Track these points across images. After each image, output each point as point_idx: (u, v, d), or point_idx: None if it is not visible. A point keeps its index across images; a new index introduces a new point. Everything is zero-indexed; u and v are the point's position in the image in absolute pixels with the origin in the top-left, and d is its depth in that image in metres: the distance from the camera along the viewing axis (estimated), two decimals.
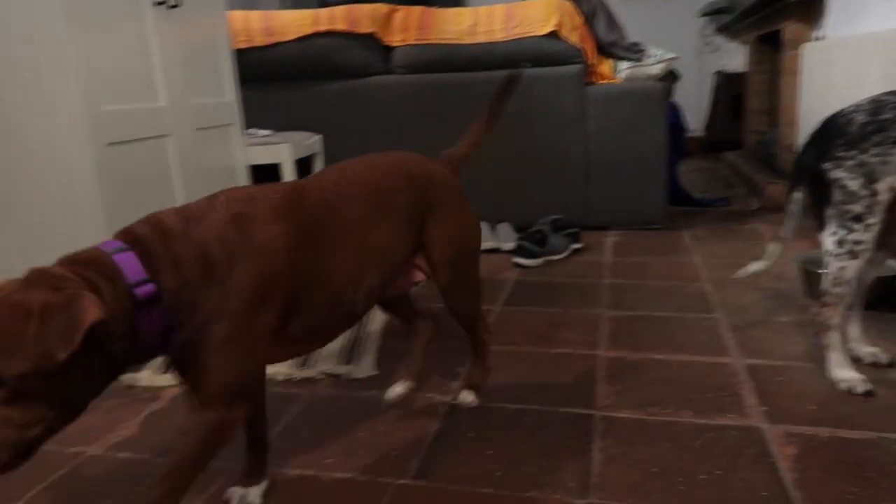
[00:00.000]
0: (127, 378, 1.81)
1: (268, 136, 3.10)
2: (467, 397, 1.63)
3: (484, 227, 3.07)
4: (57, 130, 1.80)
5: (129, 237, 0.98)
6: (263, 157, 2.91)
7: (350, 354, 1.92)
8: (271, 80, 3.33)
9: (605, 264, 2.74)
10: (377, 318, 2.20)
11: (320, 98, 3.32)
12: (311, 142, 3.13)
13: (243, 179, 2.77)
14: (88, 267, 0.91)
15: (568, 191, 3.25)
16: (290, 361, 1.88)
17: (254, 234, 1.04)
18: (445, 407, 1.61)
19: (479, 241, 1.55)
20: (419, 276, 1.52)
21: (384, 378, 1.78)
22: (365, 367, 1.84)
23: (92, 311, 0.83)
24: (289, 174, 2.89)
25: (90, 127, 1.81)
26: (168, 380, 1.81)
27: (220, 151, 2.60)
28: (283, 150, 2.88)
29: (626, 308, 2.22)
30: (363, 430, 1.53)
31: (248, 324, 1.02)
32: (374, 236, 1.24)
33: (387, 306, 1.65)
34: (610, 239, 3.14)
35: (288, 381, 1.80)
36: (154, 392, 1.77)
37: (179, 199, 2.22)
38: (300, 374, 1.82)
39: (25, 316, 0.82)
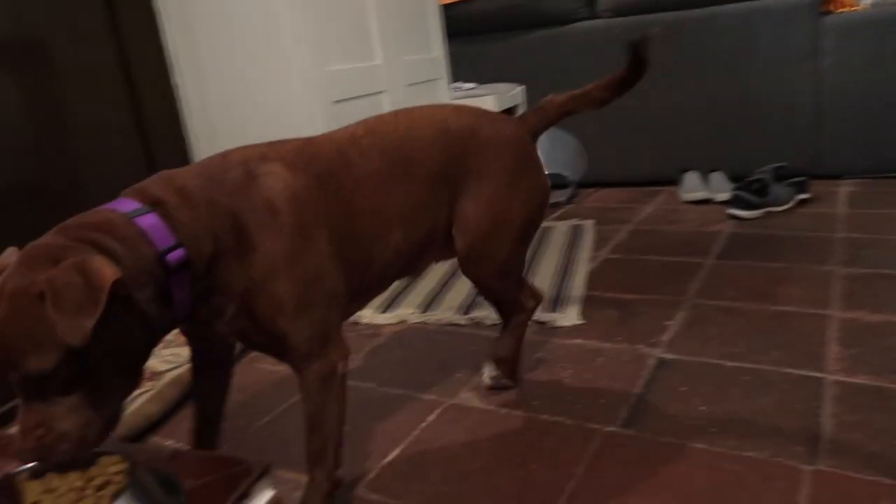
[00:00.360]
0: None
1: (472, 88, 3.16)
2: (487, 372, 1.49)
3: (694, 176, 2.88)
4: (290, 90, 1.99)
5: (146, 198, 0.90)
6: None
7: (555, 303, 1.94)
8: (475, 32, 3.38)
9: (839, 217, 2.45)
10: (583, 268, 2.19)
11: (524, 48, 3.31)
12: (514, 93, 3.14)
13: None
14: (98, 231, 0.83)
15: (793, 136, 2.93)
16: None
17: (276, 191, 0.98)
18: (654, 359, 1.57)
19: (531, 219, 1.30)
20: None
21: (589, 328, 1.78)
22: (570, 316, 1.84)
23: (107, 270, 0.76)
24: None
25: (319, 86, 1.98)
26: (388, 318, 1.97)
27: None
28: (487, 103, 2.92)
29: (864, 265, 1.97)
30: (569, 375, 1.54)
31: (303, 278, 0.98)
32: (394, 193, 1.13)
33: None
34: (844, 189, 2.79)
35: (493, 327, 1.86)
36: (375, 329, 1.94)
37: None
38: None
39: (35, 302, 0.75)
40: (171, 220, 0.89)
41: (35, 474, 0.82)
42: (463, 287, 2.15)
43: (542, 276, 2.16)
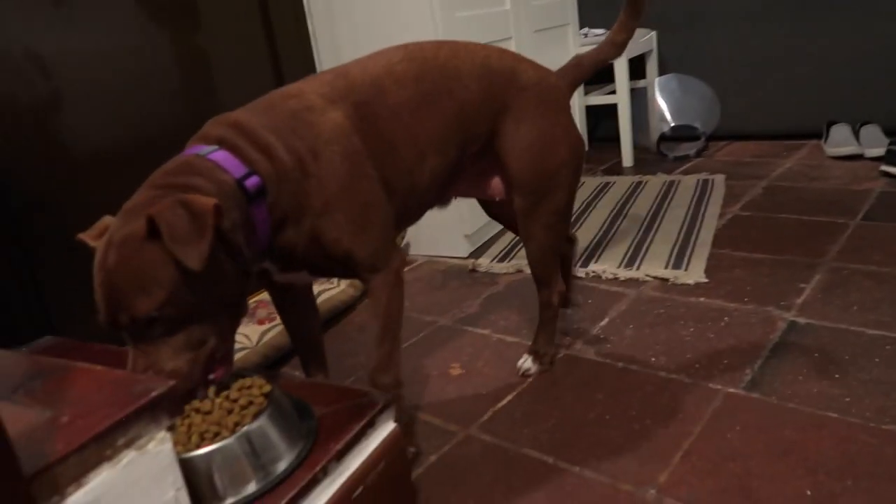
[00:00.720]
0: (470, 262, 2.04)
1: (601, 35, 3.04)
2: (525, 364, 1.44)
3: (844, 129, 2.64)
4: (419, 36, 2.00)
5: (208, 139, 0.96)
6: None
7: (679, 259, 1.87)
8: None
9: None
10: (709, 225, 2.09)
11: None
12: (644, 39, 2.98)
13: None
14: (180, 174, 0.89)
15: None
16: (614, 261, 1.91)
17: (321, 122, 1.01)
18: (785, 322, 1.49)
19: (570, 167, 1.27)
20: (499, 192, 1.33)
21: (714, 287, 1.70)
22: (694, 273, 1.77)
23: (203, 199, 0.82)
24: (622, 72, 2.82)
25: (448, 32, 1.98)
26: (505, 267, 1.99)
27: (556, 51, 2.64)
28: None
29: None
30: (690, 334, 1.50)
31: (357, 202, 1.02)
32: (425, 121, 1.13)
33: (506, 224, 1.54)
34: None
35: (614, 280, 1.83)
36: (492, 277, 1.96)
37: None
38: (626, 274, 1.83)
39: (144, 244, 0.81)
40: (238, 152, 0.94)
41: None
42: (581, 240, 2.12)
43: (666, 232, 2.09)
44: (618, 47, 1.36)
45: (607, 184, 2.69)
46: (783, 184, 2.43)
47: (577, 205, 2.47)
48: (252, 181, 0.92)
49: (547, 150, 1.25)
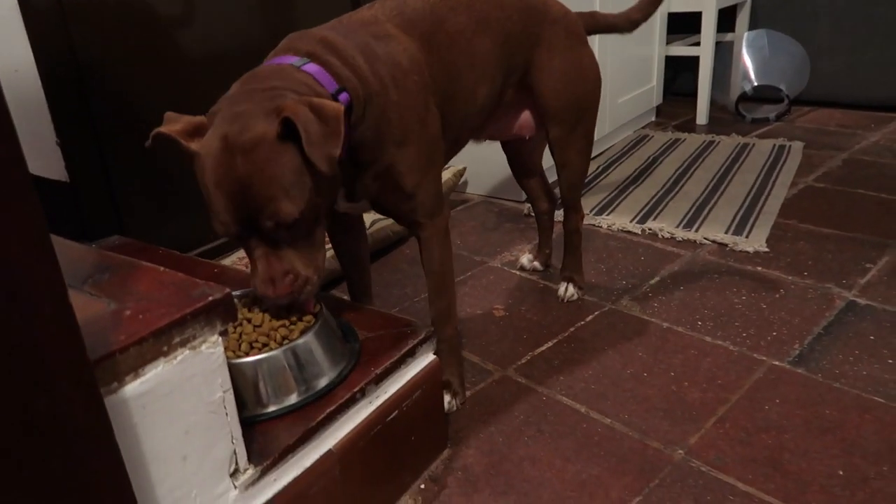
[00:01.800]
0: (526, 207, 2.03)
1: None
2: (567, 291, 1.52)
3: None
4: None
5: (298, 52, 0.93)
6: (684, 4, 2.74)
7: (741, 225, 1.82)
8: None
9: None
10: (778, 193, 2.01)
11: None
12: None
13: (661, 28, 2.67)
14: (279, 79, 0.86)
15: None
16: (673, 221, 1.87)
17: (399, 51, 0.99)
18: (844, 301, 1.44)
19: (596, 94, 1.36)
20: (529, 126, 1.36)
21: (775, 258, 1.65)
22: (754, 241, 1.72)
23: (334, 104, 0.81)
24: (709, 24, 2.68)
25: None
26: (560, 215, 1.97)
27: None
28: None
29: None
30: (742, 303, 1.47)
31: (427, 137, 1.02)
32: (478, 48, 1.13)
33: (517, 170, 1.58)
34: None
35: (670, 239, 1.80)
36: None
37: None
38: (683, 234, 1.80)
39: (280, 147, 0.80)
40: (329, 67, 0.91)
41: (242, 300, 0.96)
42: (642, 196, 2.07)
43: (731, 196, 2.02)
44: (631, 24, 1.43)
45: (677, 140, 2.60)
46: (865, 158, 2.30)
47: (642, 158, 2.40)
48: (343, 97, 0.90)
49: (579, 79, 1.31)
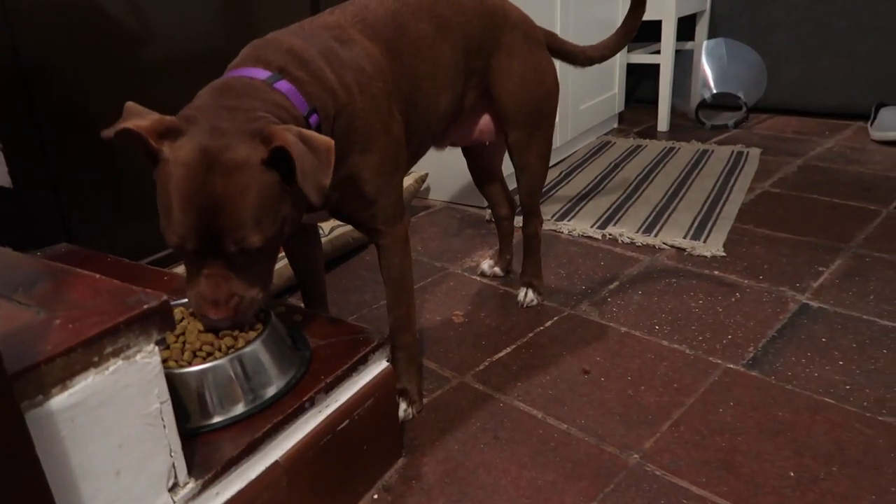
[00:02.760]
0: (487, 213, 2.02)
1: None
2: (527, 296, 1.53)
3: (893, 113, 2.54)
4: None
5: (268, 64, 0.90)
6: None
7: (699, 230, 1.84)
8: None
9: None
10: (736, 199, 2.04)
11: None
12: None
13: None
14: (256, 99, 0.83)
15: None
16: (633, 226, 1.88)
17: (363, 56, 0.98)
18: (797, 304, 1.46)
19: (555, 97, 1.37)
20: (489, 131, 1.37)
21: (731, 262, 1.68)
22: (712, 245, 1.74)
23: (323, 137, 0.80)
24: (669, 32, 2.72)
25: None
26: (520, 221, 1.97)
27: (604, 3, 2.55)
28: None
29: None
30: (699, 306, 1.48)
31: (391, 144, 1.00)
32: (441, 54, 1.13)
33: (478, 176, 1.59)
34: None
35: (630, 245, 1.81)
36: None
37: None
38: (642, 239, 1.81)
39: (263, 173, 0.78)
40: (300, 85, 0.89)
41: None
42: (603, 202, 2.09)
43: (690, 201, 2.04)
44: (587, 59, 1.46)
45: (638, 146, 2.63)
46: (820, 164, 2.35)
47: (604, 164, 2.42)
48: (314, 119, 0.89)
49: (537, 82, 1.32)
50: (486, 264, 1.69)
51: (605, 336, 1.39)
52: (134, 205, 1.57)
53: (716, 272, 1.63)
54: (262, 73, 0.89)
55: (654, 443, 1.08)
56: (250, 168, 0.77)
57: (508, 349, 1.37)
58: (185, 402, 0.82)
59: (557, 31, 2.22)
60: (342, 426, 0.92)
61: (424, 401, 1.21)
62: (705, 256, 1.71)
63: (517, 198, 1.49)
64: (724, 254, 1.71)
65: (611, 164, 2.44)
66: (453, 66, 1.17)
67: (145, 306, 0.66)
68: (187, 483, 0.74)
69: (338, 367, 0.93)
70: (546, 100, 1.34)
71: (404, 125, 1.07)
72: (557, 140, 2.33)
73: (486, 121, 1.36)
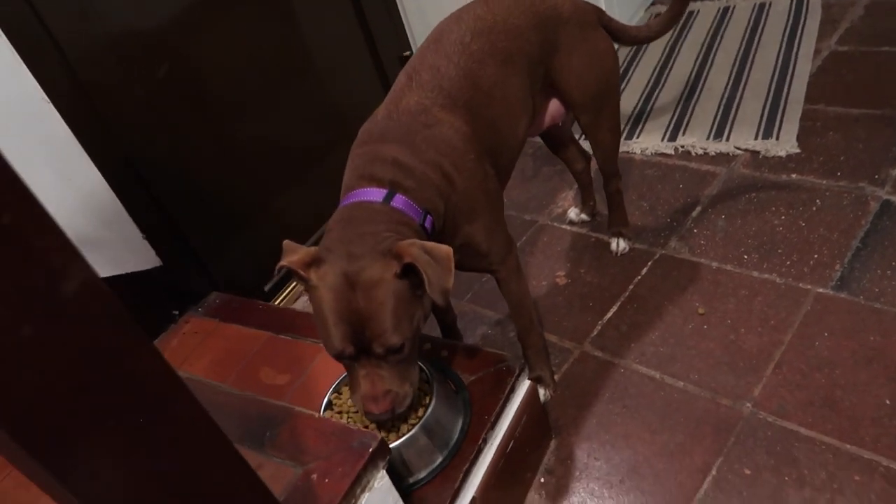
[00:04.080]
0: None
1: None
2: (619, 245, 1.67)
3: None
4: None
5: (380, 182, 1.03)
6: None
7: (769, 124, 1.87)
8: None
9: None
10: (802, 71, 2.02)
11: None
12: None
13: None
14: (383, 222, 0.98)
15: None
16: (703, 130, 1.93)
17: (452, 135, 1.09)
18: (878, 201, 1.54)
19: (616, 73, 1.43)
20: (559, 114, 1.42)
21: (807, 159, 1.73)
22: (785, 143, 1.79)
23: (444, 247, 0.94)
24: None
25: None
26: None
27: None
28: None
29: None
30: (782, 224, 1.58)
31: (491, 200, 1.14)
32: (511, 89, 1.21)
33: (551, 146, 1.67)
34: None
35: (703, 157, 1.87)
36: None
37: None
38: (715, 147, 1.87)
39: (397, 286, 0.92)
40: (411, 195, 1.03)
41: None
42: (667, 101, 2.11)
43: (756, 84, 2.04)
44: (630, 38, 1.50)
45: (690, 14, 2.55)
46: (889, 1, 2.24)
47: (658, 49, 2.39)
48: (429, 221, 1.04)
49: (598, 68, 1.37)
50: (573, 212, 1.81)
51: (698, 277, 1.53)
52: (244, 243, 1.79)
53: (793, 175, 1.70)
54: (377, 195, 1.02)
55: (762, 389, 1.27)
56: (385, 283, 0.93)
57: (614, 308, 1.54)
58: (395, 466, 1.06)
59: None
60: (510, 448, 1.15)
61: (556, 377, 1.43)
62: (781, 157, 1.77)
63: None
64: (798, 150, 1.76)
65: (667, 44, 2.40)
66: (523, 93, 1.24)
67: (371, 449, 0.87)
68: None
69: (494, 404, 1.14)
70: (608, 79, 1.39)
71: (494, 168, 1.18)
72: None
73: (554, 106, 1.42)
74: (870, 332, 1.30)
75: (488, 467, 1.11)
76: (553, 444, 1.31)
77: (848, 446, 1.14)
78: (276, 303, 1.88)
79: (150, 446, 0.52)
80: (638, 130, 2.05)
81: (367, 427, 1.07)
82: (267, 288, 1.87)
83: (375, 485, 0.88)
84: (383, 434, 1.07)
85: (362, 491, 0.86)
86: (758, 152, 1.81)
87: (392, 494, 0.92)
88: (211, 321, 1.55)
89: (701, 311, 1.45)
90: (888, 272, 1.39)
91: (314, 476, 0.86)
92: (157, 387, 0.52)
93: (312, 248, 0.98)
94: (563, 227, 1.83)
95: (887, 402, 1.18)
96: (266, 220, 1.85)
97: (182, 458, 0.55)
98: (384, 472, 0.90)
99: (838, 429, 1.17)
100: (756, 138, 1.84)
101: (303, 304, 1.86)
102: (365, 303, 0.93)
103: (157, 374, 0.52)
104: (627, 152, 1.99)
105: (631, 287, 1.58)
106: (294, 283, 1.90)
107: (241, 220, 1.79)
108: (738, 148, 1.84)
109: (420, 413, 1.09)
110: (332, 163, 1.91)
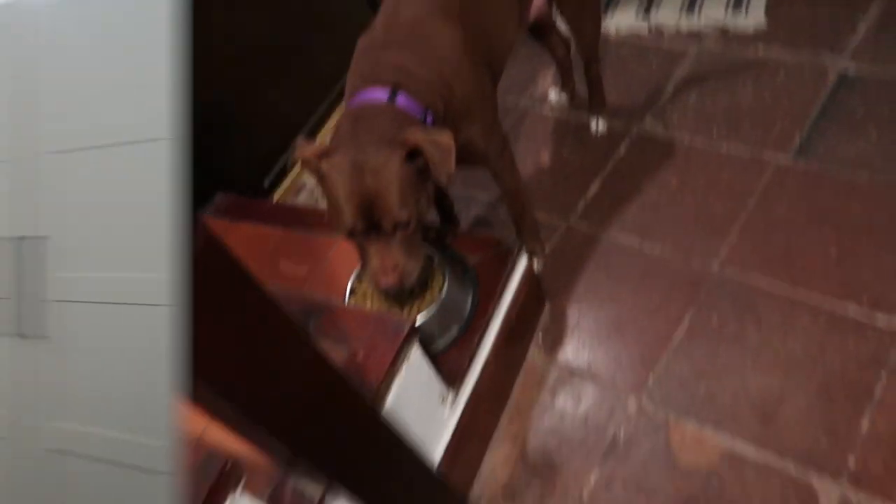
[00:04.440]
0: None
1: None
2: (599, 125, 1.77)
3: None
4: None
5: (385, 83, 1.11)
6: None
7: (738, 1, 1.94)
8: None
9: None
10: None
11: None
12: None
13: None
14: (391, 118, 1.07)
15: None
16: (675, 5, 1.99)
17: (448, 45, 1.17)
18: (836, 74, 1.66)
19: None
20: (542, 7, 1.48)
21: (774, 31, 1.82)
22: (753, 19, 1.87)
23: (447, 137, 1.04)
24: None
25: None
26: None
27: None
28: None
29: None
30: (749, 96, 1.71)
31: (487, 100, 1.25)
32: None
33: (534, 35, 1.70)
34: None
35: (676, 36, 1.95)
36: None
37: None
38: (687, 24, 1.94)
39: (403, 167, 1.02)
40: (414, 95, 1.11)
41: None
42: None
43: None
44: None
45: None
46: None
47: None
48: (429, 120, 1.13)
49: None
50: (554, 92, 1.91)
51: (672, 153, 1.67)
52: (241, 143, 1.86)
53: (760, 48, 1.80)
54: (382, 94, 1.11)
55: (728, 249, 1.45)
56: (392, 166, 1.03)
57: (596, 184, 1.68)
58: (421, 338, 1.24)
59: None
60: (515, 314, 1.34)
61: (547, 251, 1.59)
62: (749, 34, 1.85)
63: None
64: (765, 27, 1.84)
65: None
66: (512, 2, 1.31)
67: (405, 330, 1.04)
68: (449, 393, 1.19)
69: (497, 281, 1.31)
70: None
71: (489, 70, 1.27)
72: None
73: (537, 1, 1.47)
74: (823, 196, 1.47)
75: (498, 334, 1.29)
76: (547, 307, 1.50)
77: (800, 294, 1.34)
78: (276, 196, 1.99)
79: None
80: (612, 7, 2.10)
81: (387, 308, 1.23)
82: (266, 184, 1.96)
83: (412, 356, 1.05)
84: (407, 309, 1.24)
85: (402, 363, 1.03)
86: (727, 29, 1.89)
87: (425, 361, 1.09)
88: (221, 221, 1.66)
89: (674, 182, 1.61)
90: (840, 139, 1.54)
91: (360, 355, 1.03)
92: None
93: (325, 144, 1.09)
94: (546, 113, 1.93)
95: (833, 255, 1.37)
96: (256, 119, 1.91)
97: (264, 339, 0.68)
98: (417, 344, 1.07)
99: (792, 280, 1.36)
100: (726, 10, 1.92)
101: (304, 197, 1.97)
102: (374, 183, 1.03)
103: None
104: (603, 32, 2.05)
105: (610, 164, 1.72)
106: (293, 177, 1.99)
107: (231, 119, 1.84)
108: (710, 26, 1.92)
109: (436, 293, 1.25)
110: (314, 58, 1.94)
